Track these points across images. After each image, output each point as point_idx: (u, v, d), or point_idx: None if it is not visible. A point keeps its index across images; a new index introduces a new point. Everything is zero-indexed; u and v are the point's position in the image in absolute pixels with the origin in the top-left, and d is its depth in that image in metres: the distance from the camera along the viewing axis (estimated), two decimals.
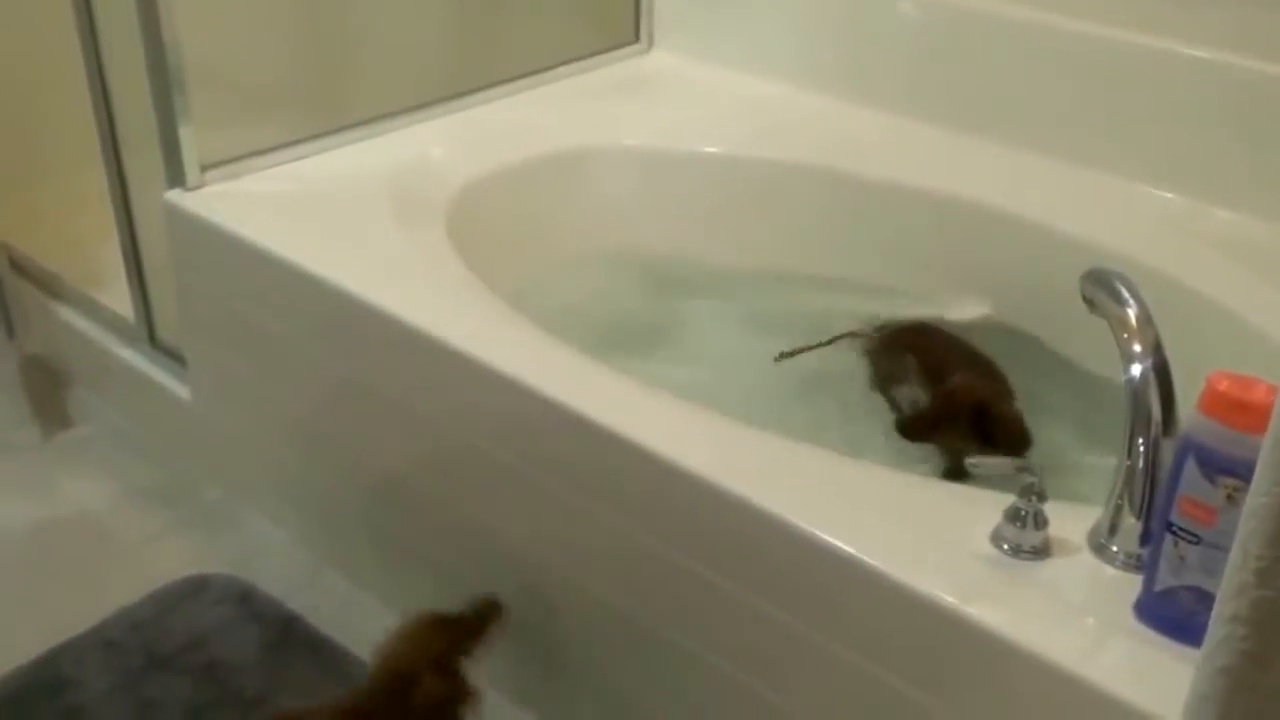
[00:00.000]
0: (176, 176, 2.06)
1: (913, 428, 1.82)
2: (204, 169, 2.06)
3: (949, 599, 1.22)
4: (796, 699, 1.45)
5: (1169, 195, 2.06)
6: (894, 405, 1.95)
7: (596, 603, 1.67)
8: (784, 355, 2.07)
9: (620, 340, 2.11)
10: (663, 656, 1.59)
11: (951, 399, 1.80)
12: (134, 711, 1.83)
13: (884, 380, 2.00)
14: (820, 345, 2.07)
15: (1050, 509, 1.27)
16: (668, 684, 1.62)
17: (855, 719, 1.37)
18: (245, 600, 2.02)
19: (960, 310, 2.02)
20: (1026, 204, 2.08)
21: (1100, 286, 1.32)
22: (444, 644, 1.62)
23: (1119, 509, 1.25)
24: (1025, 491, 1.26)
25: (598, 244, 2.33)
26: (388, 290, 1.80)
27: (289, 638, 1.96)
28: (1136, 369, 1.26)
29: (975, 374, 1.88)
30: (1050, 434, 1.83)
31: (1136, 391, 1.25)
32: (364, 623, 1.99)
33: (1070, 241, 1.99)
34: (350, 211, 2.02)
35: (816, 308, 2.18)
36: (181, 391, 2.27)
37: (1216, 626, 0.77)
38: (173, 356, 2.28)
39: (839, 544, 1.30)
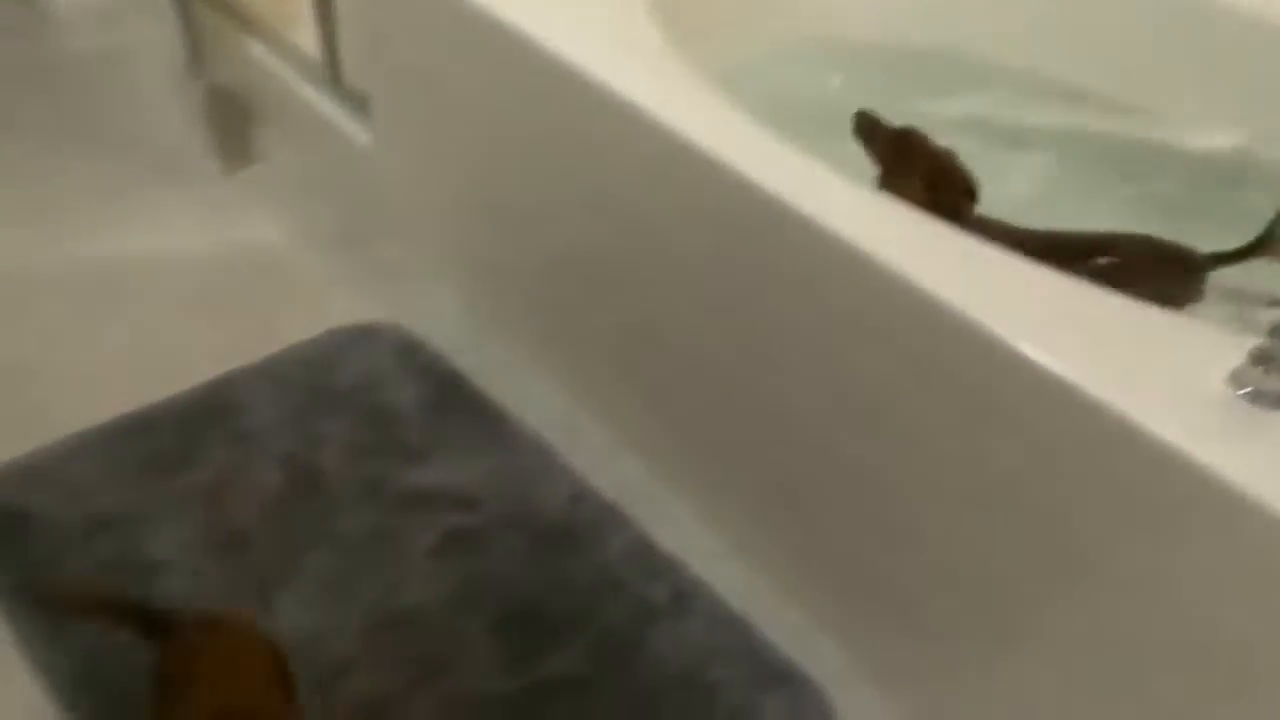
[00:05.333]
0: None
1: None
2: None
3: (1180, 441, 1.12)
4: (990, 530, 1.38)
5: None
6: None
7: (781, 404, 1.61)
8: (1215, 257, 1.71)
9: (824, 129, 1.98)
10: (850, 468, 1.54)
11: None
12: (298, 442, 1.87)
13: None
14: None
15: None
16: (857, 498, 1.57)
17: (1057, 559, 1.31)
18: (412, 352, 2.03)
19: (1208, 137, 1.82)
20: None
21: None
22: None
23: None
24: (1277, 332, 1.14)
25: (808, 28, 2.18)
26: (587, 51, 1.69)
27: (451, 394, 1.97)
28: None
29: None
30: None
31: None
32: (525, 390, 2.00)
33: None
34: None
35: (1046, 122, 2.00)
36: (363, 137, 2.23)
37: None
38: (357, 101, 2.24)
39: (1049, 364, 1.21)
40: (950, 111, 1.98)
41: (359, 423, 1.91)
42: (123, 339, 2.06)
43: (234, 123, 2.48)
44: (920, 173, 1.72)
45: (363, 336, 2.05)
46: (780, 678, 1.57)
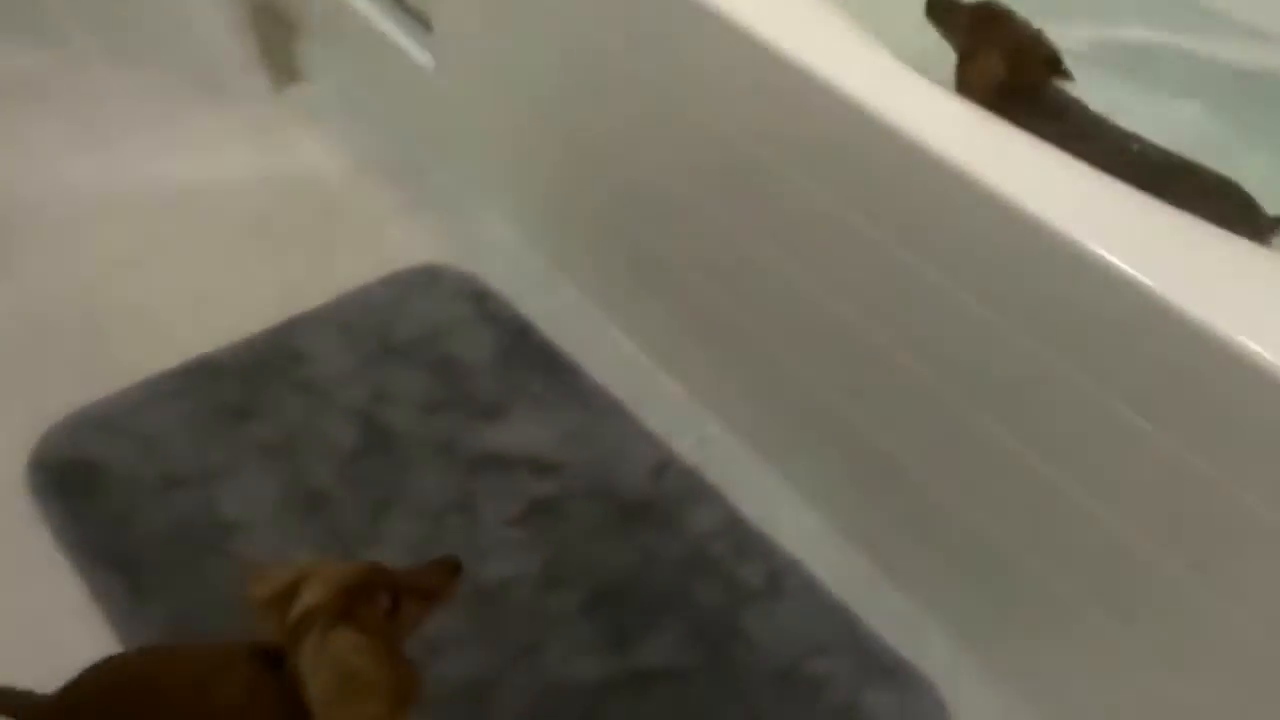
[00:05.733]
0: None
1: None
2: None
3: None
4: (1118, 506, 1.30)
5: None
6: None
7: (894, 364, 1.49)
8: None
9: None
10: (978, 441, 1.45)
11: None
12: (367, 396, 1.77)
13: None
14: None
15: None
16: (982, 472, 1.49)
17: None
18: (480, 299, 1.92)
19: None
20: None
21: None
22: (374, 592, 1.16)
23: None
24: None
25: None
26: None
27: (522, 345, 1.87)
28: None
29: None
30: None
31: None
32: (598, 340, 1.90)
33: None
34: None
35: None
36: (423, 59, 2.09)
37: None
38: (417, 18, 2.09)
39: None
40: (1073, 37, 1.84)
41: (429, 375, 1.81)
42: (179, 273, 1.94)
43: (282, 36, 2.32)
44: (1001, 45, 1.63)
45: (428, 279, 1.95)
46: (888, 671, 1.51)
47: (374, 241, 2.03)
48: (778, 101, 1.45)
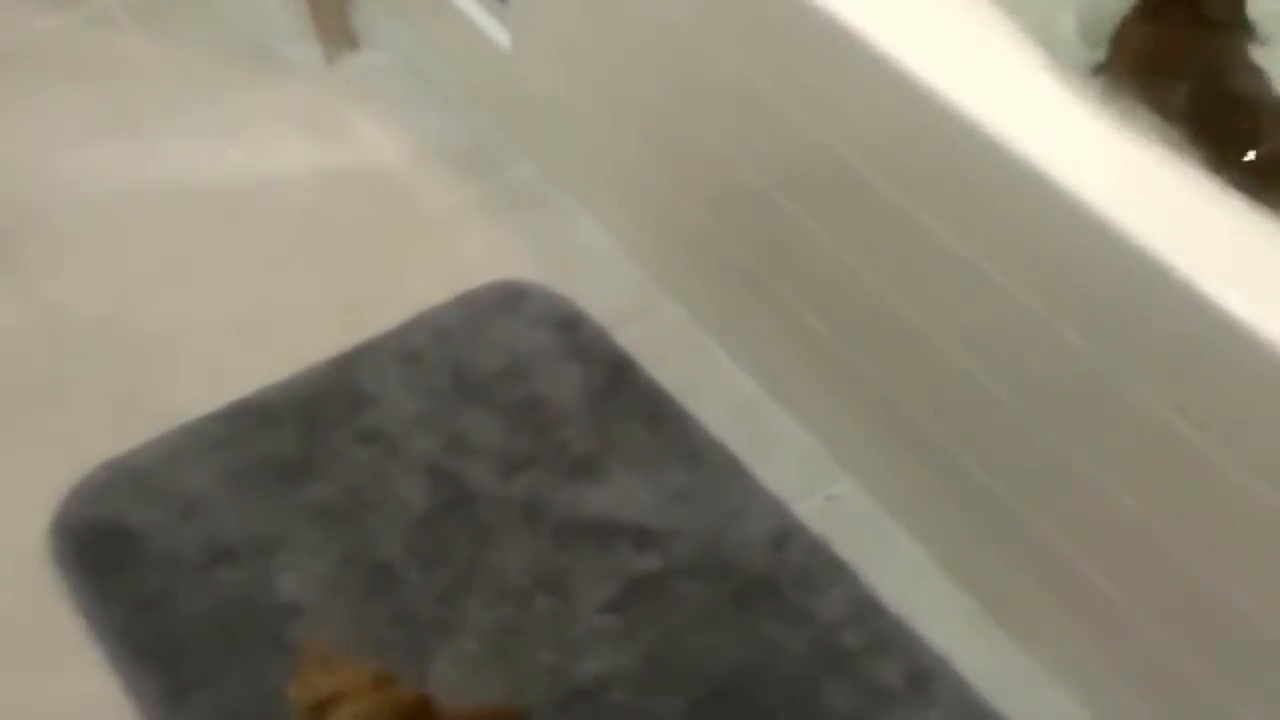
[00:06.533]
0: None
1: None
2: None
3: None
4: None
5: None
6: None
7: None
8: None
9: None
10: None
11: None
12: (440, 446, 1.53)
13: None
14: None
15: None
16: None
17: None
18: (570, 327, 1.66)
19: None
20: None
21: None
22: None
23: None
24: None
25: None
26: None
27: (620, 384, 1.61)
28: None
29: None
30: None
31: None
32: (705, 375, 1.65)
33: None
34: None
35: None
36: (499, 35, 1.82)
37: None
38: None
39: None
40: None
41: (511, 421, 1.56)
42: (221, 288, 1.69)
43: (337, 4, 2.04)
44: None
45: (509, 300, 1.68)
46: None
47: (445, 249, 1.77)
48: (901, 123, 1.25)
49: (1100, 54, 1.45)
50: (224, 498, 1.46)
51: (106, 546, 1.42)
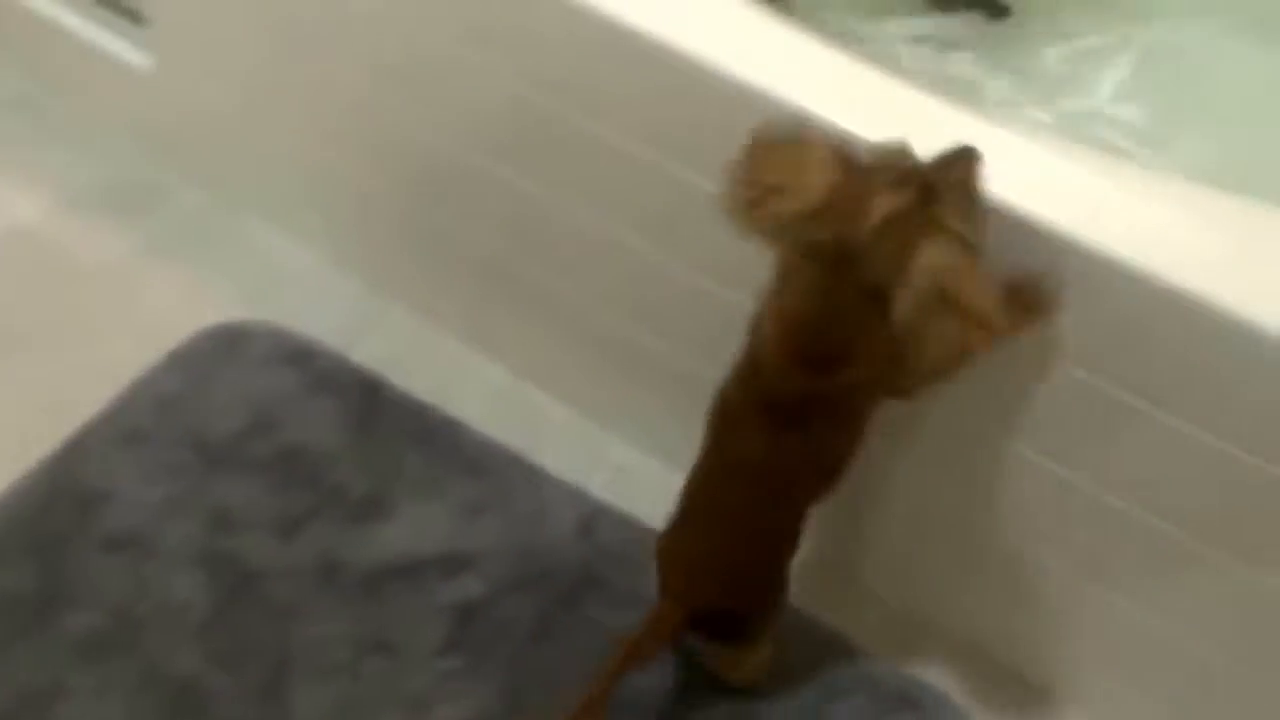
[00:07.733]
0: None
1: None
2: None
3: None
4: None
5: None
6: None
7: None
8: None
9: None
10: None
11: None
12: (203, 529, 1.36)
13: None
14: None
15: None
16: None
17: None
18: (304, 359, 1.51)
19: None
20: None
21: None
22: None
23: None
24: None
25: None
26: None
27: (378, 409, 1.49)
28: None
29: None
30: None
31: None
32: (456, 373, 1.56)
33: None
34: None
35: None
36: (134, 57, 1.60)
37: None
38: (121, 10, 1.59)
39: None
40: None
41: (274, 480, 1.40)
42: None
43: None
44: None
45: (226, 347, 1.50)
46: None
47: (130, 306, 1.56)
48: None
49: None
50: None
51: None
